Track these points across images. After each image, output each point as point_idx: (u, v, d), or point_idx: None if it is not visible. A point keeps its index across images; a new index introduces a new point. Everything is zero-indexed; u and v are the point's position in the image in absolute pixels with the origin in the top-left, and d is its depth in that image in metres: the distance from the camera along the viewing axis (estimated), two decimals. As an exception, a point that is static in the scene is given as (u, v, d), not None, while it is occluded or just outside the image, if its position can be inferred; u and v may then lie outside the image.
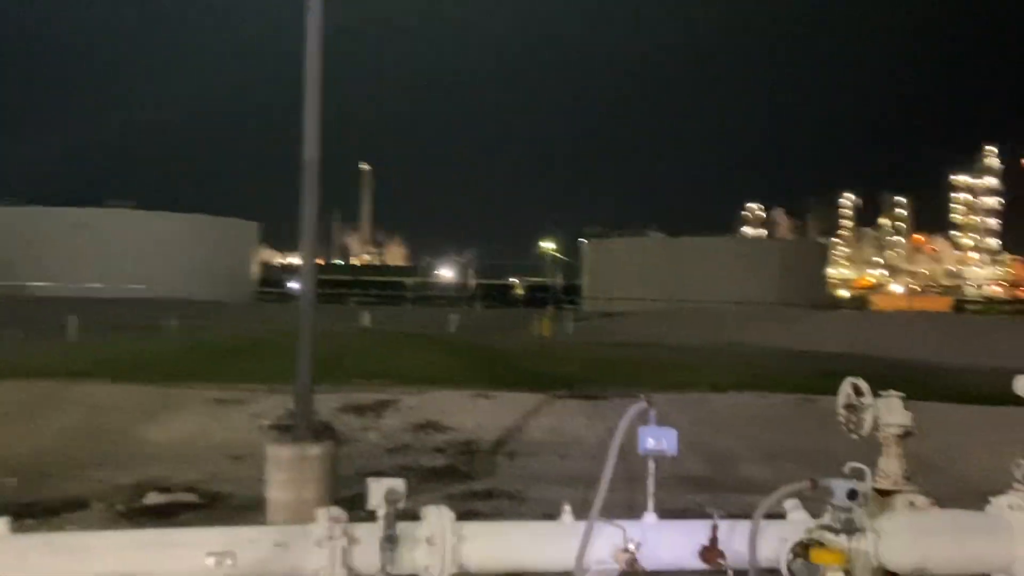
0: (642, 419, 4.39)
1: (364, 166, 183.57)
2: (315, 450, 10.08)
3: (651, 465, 4.35)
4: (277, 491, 9.87)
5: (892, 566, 4.32)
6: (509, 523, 4.85)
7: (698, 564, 4.20)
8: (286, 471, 9.95)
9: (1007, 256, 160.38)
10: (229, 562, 3.72)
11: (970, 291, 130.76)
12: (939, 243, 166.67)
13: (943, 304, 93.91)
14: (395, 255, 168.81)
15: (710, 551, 4.18)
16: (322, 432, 10.63)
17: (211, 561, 3.71)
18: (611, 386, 19.17)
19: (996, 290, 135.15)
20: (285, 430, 10.75)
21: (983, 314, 72.40)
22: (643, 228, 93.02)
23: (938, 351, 32.72)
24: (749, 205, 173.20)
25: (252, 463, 11.66)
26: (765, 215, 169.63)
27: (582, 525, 4.19)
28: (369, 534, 3.96)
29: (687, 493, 11.06)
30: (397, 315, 56.27)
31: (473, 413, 16.23)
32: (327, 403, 14.34)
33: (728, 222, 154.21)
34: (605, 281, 78.73)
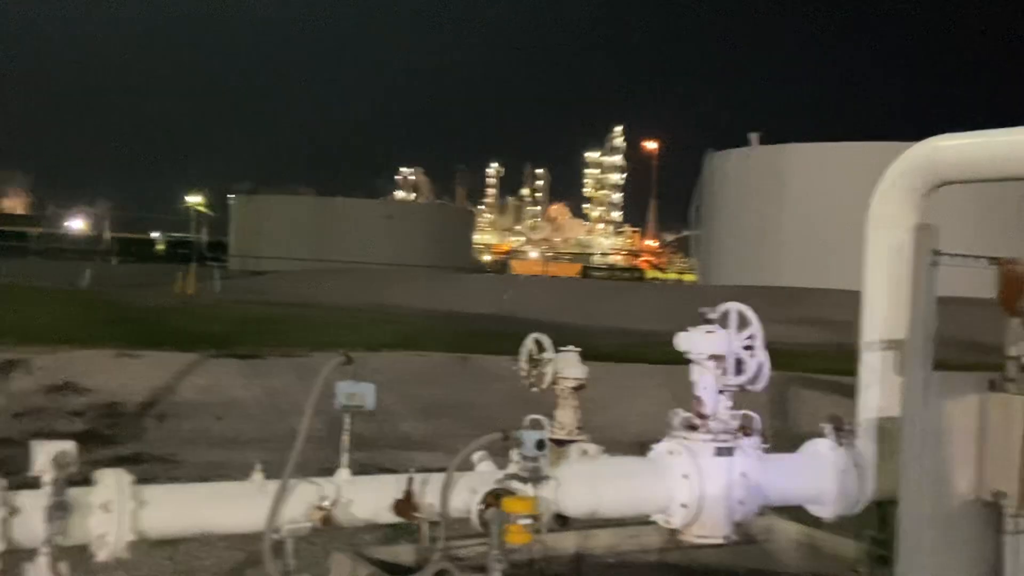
0: (338, 374, 4.29)
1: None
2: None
3: (347, 420, 4.27)
4: None
5: (570, 511, 4.58)
6: (195, 485, 4.56)
7: (393, 518, 4.20)
8: None
9: (628, 228, 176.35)
10: None
11: (596, 259, 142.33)
12: (572, 214, 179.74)
13: (573, 270, 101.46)
14: (15, 204, 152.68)
15: (404, 504, 4.19)
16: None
17: None
18: (264, 346, 18.67)
19: (618, 259, 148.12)
20: None
21: (607, 280, 79.05)
22: (295, 188, 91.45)
23: (570, 312, 35.19)
24: (403, 170, 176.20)
25: None
26: (416, 180, 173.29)
27: (274, 484, 4.02)
28: (33, 502, 3.55)
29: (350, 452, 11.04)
30: (19, 268, 51.03)
31: (116, 373, 15.12)
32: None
33: (382, 185, 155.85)
34: (254, 239, 76.52)
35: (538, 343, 5.18)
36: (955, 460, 3.64)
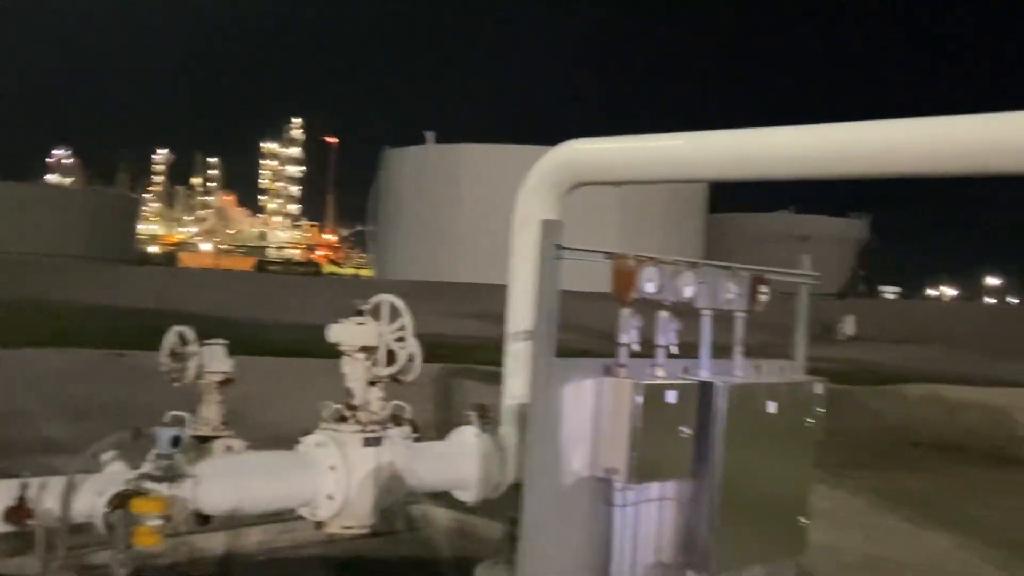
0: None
1: None
2: None
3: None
4: None
5: (210, 509, 4.42)
6: None
7: (4, 527, 3.85)
8: None
9: (306, 221, 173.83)
10: None
11: (272, 252, 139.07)
12: (247, 207, 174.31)
13: (247, 263, 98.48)
14: None
15: (16, 511, 3.85)
16: None
17: None
18: None
19: (295, 252, 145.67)
20: None
21: (282, 274, 77.51)
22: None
23: (242, 307, 34.14)
24: (56, 152, 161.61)
25: None
26: (73, 162, 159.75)
27: None
28: None
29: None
30: None
31: None
32: None
33: (35, 168, 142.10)
34: None
35: (181, 336, 4.96)
36: (574, 441, 3.93)
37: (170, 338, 4.93)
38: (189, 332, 4.94)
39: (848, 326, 38.99)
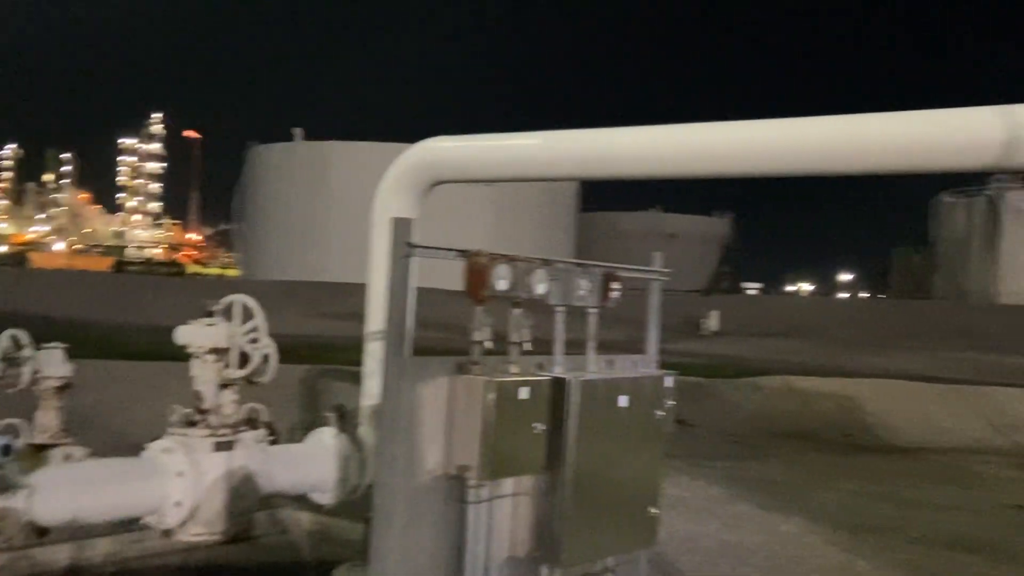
0: None
1: None
2: None
3: None
4: None
5: (46, 521, 4.23)
6: None
7: None
8: None
9: (168, 220, 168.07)
10: None
11: (132, 252, 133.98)
12: (104, 205, 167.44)
13: (104, 264, 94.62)
14: None
15: None
16: None
17: None
18: None
19: (157, 252, 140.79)
20: None
21: (143, 274, 74.79)
22: None
23: (98, 309, 32.82)
24: None
25: None
26: None
27: None
28: None
29: None
30: None
31: None
32: None
33: None
34: None
35: (15, 340, 4.71)
36: (427, 439, 3.91)
37: (2, 342, 4.68)
38: (23, 336, 4.70)
39: (712, 321, 40.20)
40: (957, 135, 4.36)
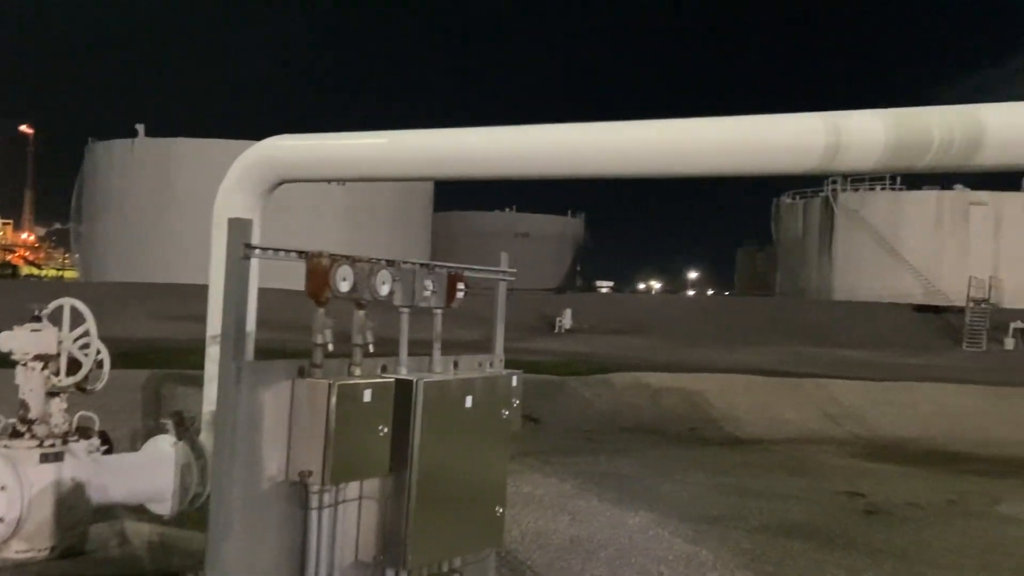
0: None
1: None
2: None
3: None
4: None
5: None
6: None
7: None
8: None
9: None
10: None
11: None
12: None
13: None
14: None
15: None
16: None
17: None
18: None
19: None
20: None
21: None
22: None
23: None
24: None
25: None
26: None
27: None
28: None
29: None
30: None
31: None
32: None
33: None
34: None
35: None
36: (267, 445, 3.81)
37: None
38: None
39: (566, 319, 40.92)
40: (784, 140, 4.56)
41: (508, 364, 5.22)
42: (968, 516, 9.80)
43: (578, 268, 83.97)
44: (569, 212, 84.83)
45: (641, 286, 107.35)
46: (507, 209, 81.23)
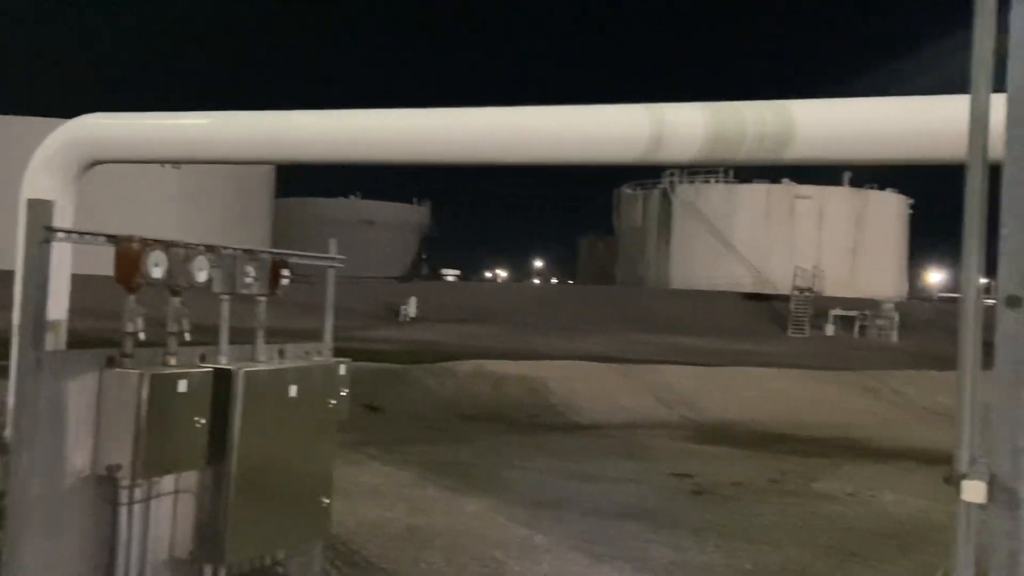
0: None
1: None
2: None
3: None
4: None
5: None
6: None
7: None
8: None
9: None
10: None
11: None
12: None
13: None
14: None
15: None
16: None
17: None
18: None
19: None
20: None
21: None
22: None
23: None
24: None
25: None
26: None
27: None
28: None
29: None
30: None
31: None
32: None
33: None
34: None
35: None
36: (72, 439, 3.60)
37: None
38: None
39: (411, 308, 40.79)
40: (610, 130, 4.63)
41: (350, 353, 5.14)
42: (787, 494, 10.30)
43: (424, 256, 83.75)
44: (415, 200, 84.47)
45: (488, 275, 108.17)
46: (351, 196, 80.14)
